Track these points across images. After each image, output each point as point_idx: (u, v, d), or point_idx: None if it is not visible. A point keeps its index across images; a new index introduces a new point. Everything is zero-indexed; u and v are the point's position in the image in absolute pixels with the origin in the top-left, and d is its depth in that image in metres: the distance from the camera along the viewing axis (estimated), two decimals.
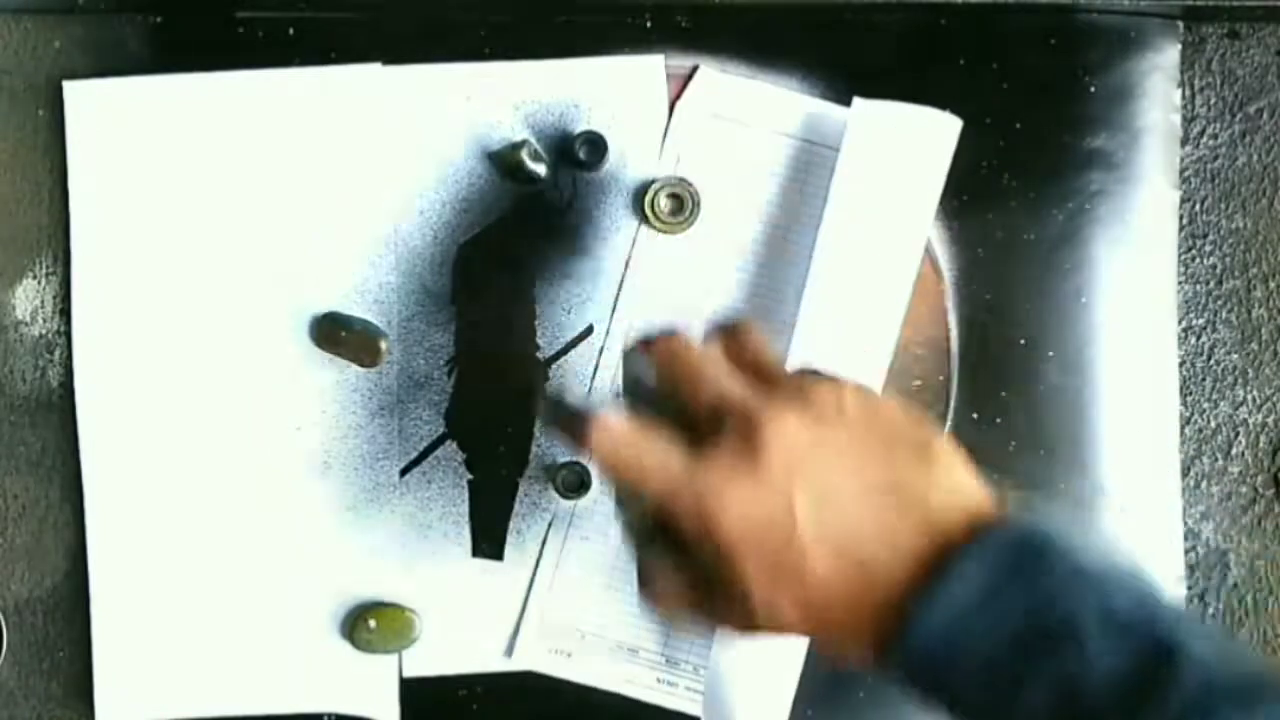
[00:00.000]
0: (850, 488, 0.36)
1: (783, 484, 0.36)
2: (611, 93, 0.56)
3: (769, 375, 0.40)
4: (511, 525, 0.57)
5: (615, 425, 0.38)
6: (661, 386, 0.42)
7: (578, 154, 0.55)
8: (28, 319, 0.56)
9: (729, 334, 0.43)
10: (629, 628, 0.56)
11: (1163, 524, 0.58)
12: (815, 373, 0.41)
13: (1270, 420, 0.59)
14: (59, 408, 0.56)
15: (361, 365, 0.55)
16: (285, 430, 0.56)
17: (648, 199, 0.55)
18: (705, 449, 0.37)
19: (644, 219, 0.56)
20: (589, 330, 0.57)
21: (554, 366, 0.57)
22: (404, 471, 0.56)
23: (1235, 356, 0.59)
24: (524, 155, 0.54)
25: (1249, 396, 0.59)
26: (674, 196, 0.56)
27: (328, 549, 0.56)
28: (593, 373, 0.56)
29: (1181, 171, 0.59)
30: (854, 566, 0.35)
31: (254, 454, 0.56)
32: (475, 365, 0.56)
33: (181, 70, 0.56)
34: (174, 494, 0.56)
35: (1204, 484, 0.59)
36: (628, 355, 0.55)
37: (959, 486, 0.37)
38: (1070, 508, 0.57)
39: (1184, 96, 0.59)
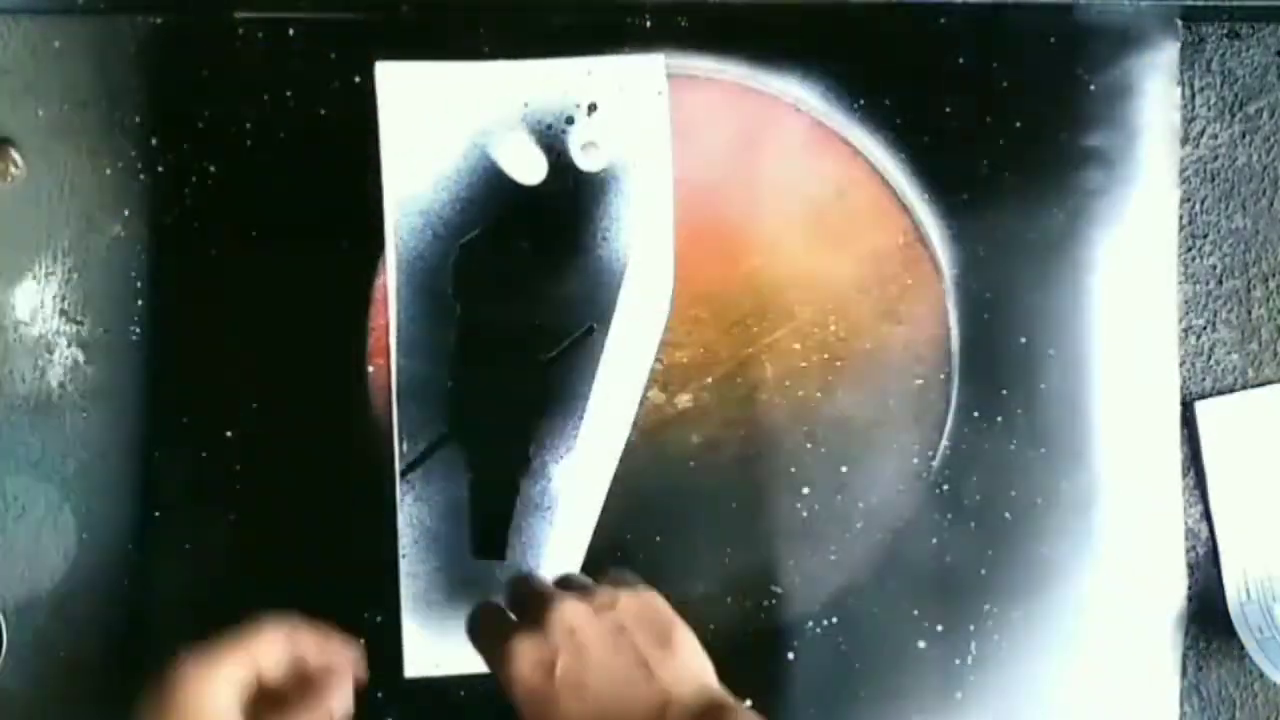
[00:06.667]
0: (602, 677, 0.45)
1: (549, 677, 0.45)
2: (611, 93, 0.56)
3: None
4: (511, 525, 0.57)
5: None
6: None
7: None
8: (28, 319, 0.56)
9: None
10: None
11: (1163, 524, 0.58)
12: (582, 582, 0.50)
13: None
14: (59, 408, 0.56)
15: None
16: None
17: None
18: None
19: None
20: (589, 330, 0.57)
21: (554, 366, 0.57)
22: (404, 472, 0.56)
23: (1235, 356, 0.59)
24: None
25: None
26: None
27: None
28: (593, 373, 0.56)
29: (1181, 171, 0.59)
30: None
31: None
32: (475, 365, 0.56)
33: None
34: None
35: (1204, 484, 0.59)
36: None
37: (698, 669, 0.46)
38: (1070, 508, 0.57)
39: (1184, 96, 0.59)
